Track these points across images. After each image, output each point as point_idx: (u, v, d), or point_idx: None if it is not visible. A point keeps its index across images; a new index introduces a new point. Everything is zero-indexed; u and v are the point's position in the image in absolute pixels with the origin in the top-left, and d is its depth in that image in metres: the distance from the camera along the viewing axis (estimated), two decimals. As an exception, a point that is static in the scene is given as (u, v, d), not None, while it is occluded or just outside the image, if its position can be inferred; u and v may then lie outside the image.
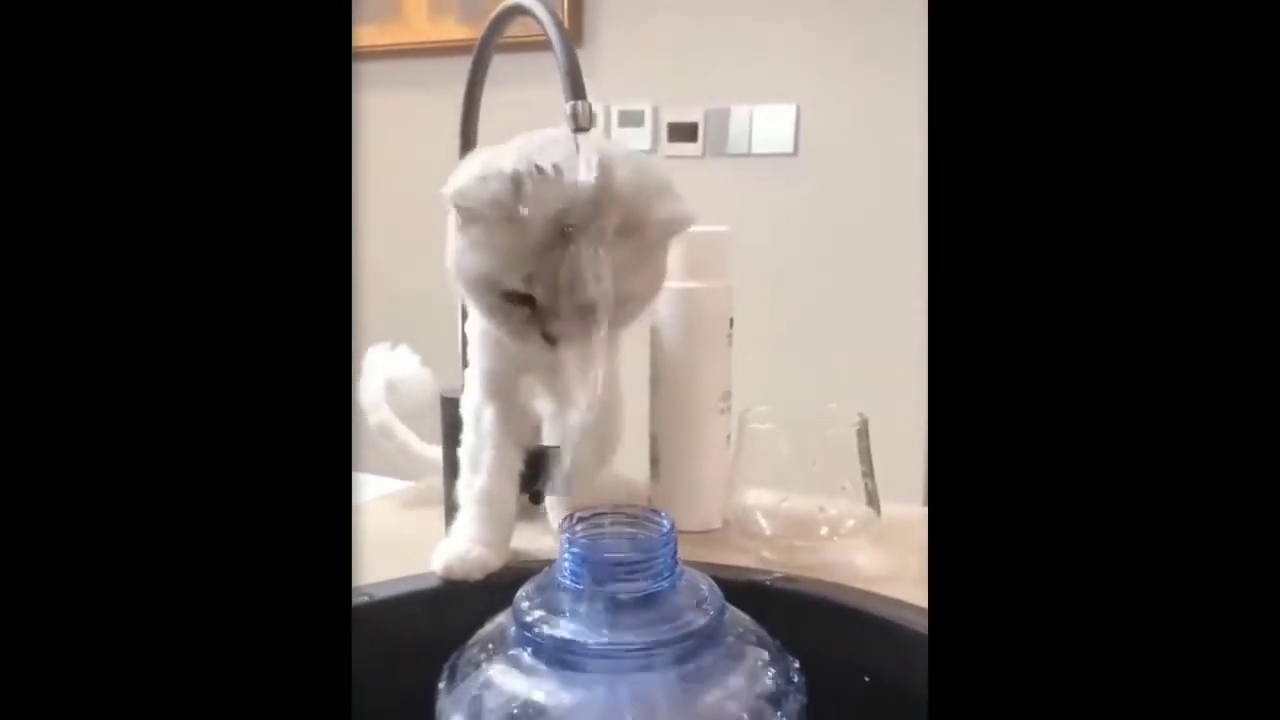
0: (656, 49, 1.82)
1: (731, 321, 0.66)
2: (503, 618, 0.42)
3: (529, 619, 0.40)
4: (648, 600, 0.40)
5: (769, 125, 1.78)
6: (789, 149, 1.78)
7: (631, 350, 0.65)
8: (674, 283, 0.64)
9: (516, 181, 0.48)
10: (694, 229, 0.64)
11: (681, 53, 1.82)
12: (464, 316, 0.62)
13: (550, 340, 0.51)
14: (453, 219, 0.52)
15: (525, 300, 0.50)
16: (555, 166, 0.47)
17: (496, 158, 0.50)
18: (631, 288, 0.51)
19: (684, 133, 1.83)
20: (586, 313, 0.49)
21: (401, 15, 2.04)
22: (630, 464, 0.69)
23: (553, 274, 0.48)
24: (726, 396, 0.66)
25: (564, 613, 0.40)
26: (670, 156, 1.82)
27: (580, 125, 0.46)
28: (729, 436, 0.65)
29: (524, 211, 0.48)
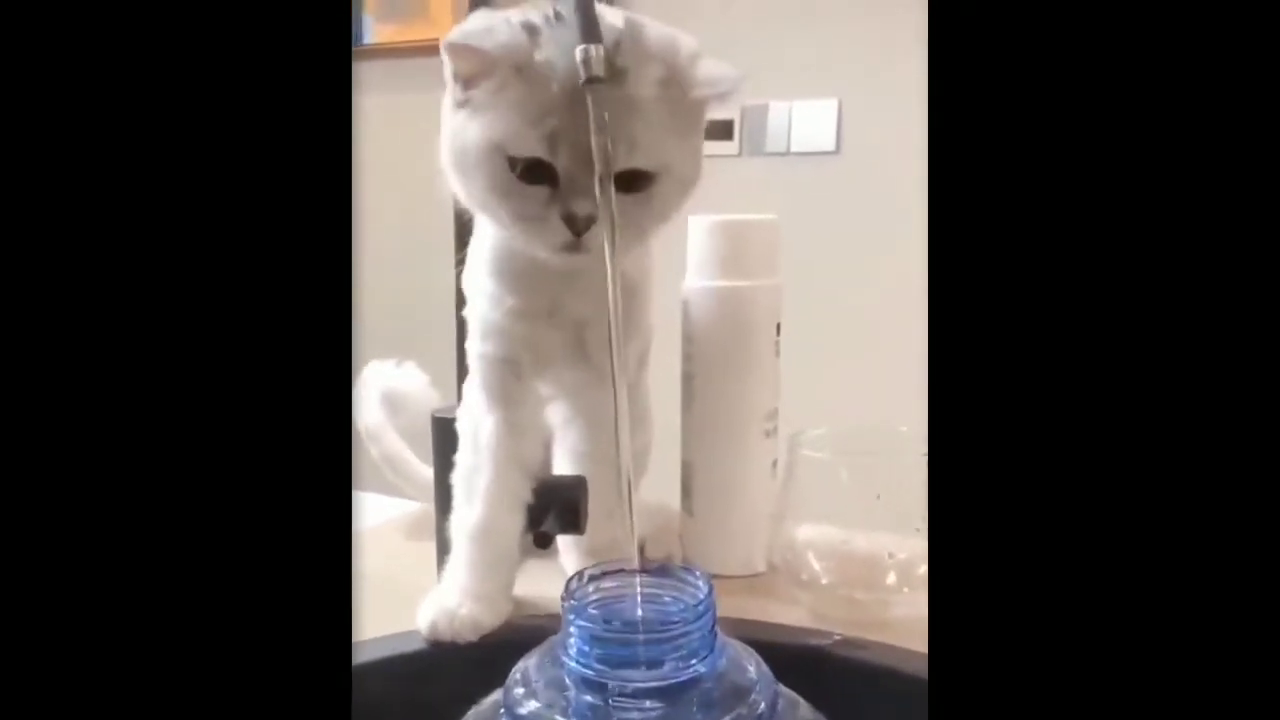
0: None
1: (779, 327, 0.57)
2: (499, 696, 0.35)
3: (523, 711, 0.33)
4: (678, 690, 0.32)
5: (809, 122, 1.74)
6: (830, 147, 1.73)
7: (661, 359, 0.57)
8: (711, 280, 0.57)
9: (529, 28, 0.42)
10: (736, 218, 0.56)
11: (716, 46, 1.74)
12: (460, 303, 0.54)
13: (575, 227, 0.42)
14: (448, 96, 0.45)
15: (543, 176, 0.42)
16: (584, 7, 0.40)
17: (503, 13, 0.43)
18: (670, 159, 0.44)
19: (719, 130, 1.79)
20: (621, 188, 0.41)
21: (427, 13, 2.04)
22: (660, 493, 0.61)
23: (580, 134, 0.39)
24: (773, 416, 0.58)
25: (568, 704, 0.33)
26: (706, 156, 1.78)
27: (593, 74, 0.37)
28: (775, 463, 0.58)
29: (539, 57, 0.41)
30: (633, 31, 0.42)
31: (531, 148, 0.42)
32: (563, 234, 0.43)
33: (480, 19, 0.43)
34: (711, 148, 1.63)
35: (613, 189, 0.38)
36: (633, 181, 0.43)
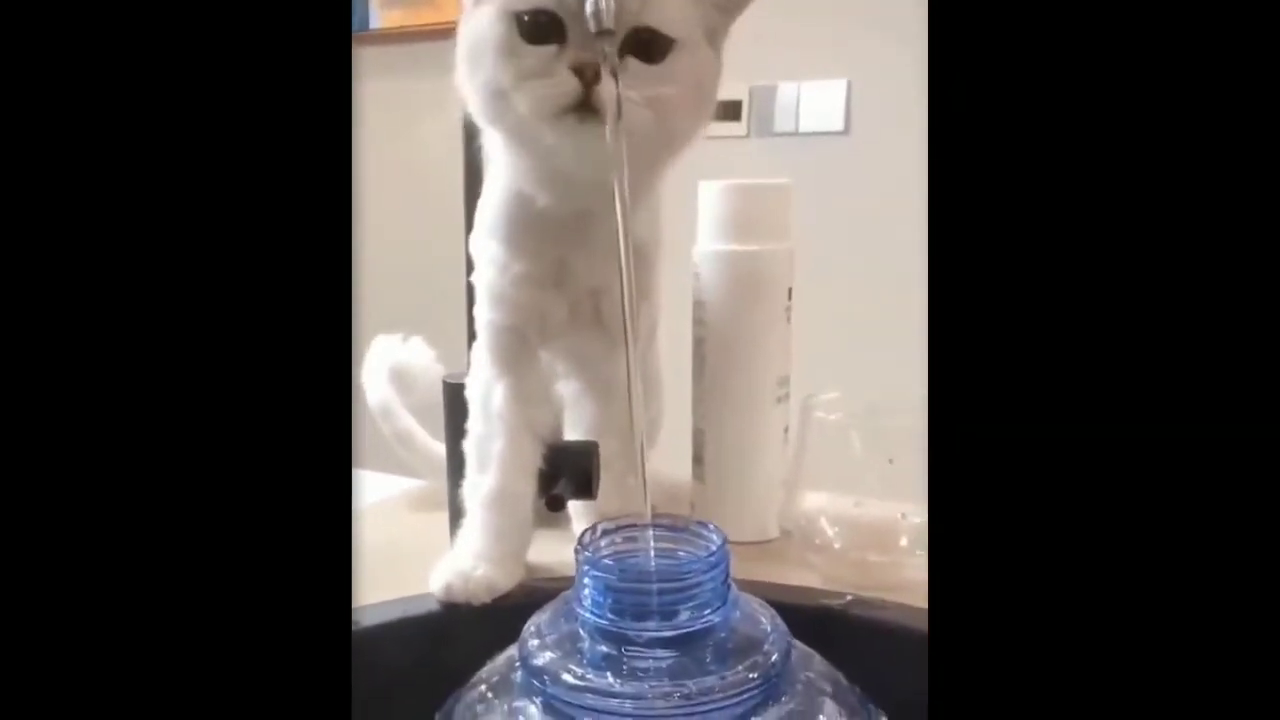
0: (698, 23, 1.74)
1: (791, 292, 0.56)
2: (513, 651, 0.35)
3: (538, 662, 0.33)
4: (691, 640, 0.32)
5: (818, 102, 1.72)
6: (839, 127, 1.71)
7: (670, 324, 0.57)
8: (723, 245, 0.56)
9: None
10: (747, 181, 0.55)
11: (725, 27, 1.74)
12: (469, 268, 0.53)
13: (584, 77, 0.40)
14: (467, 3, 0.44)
15: (551, 34, 0.41)
16: None
17: None
18: (688, 35, 0.42)
19: (727, 111, 1.76)
20: (634, 52, 0.40)
21: None
22: (669, 462, 0.61)
23: None
24: (785, 382, 0.57)
25: (582, 655, 0.33)
26: (713, 137, 1.77)
27: (603, 26, 0.36)
28: (787, 429, 0.57)
29: None
30: None
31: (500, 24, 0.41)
32: (571, 85, 0.40)
33: None
34: (720, 128, 1.62)
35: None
36: (647, 47, 0.41)
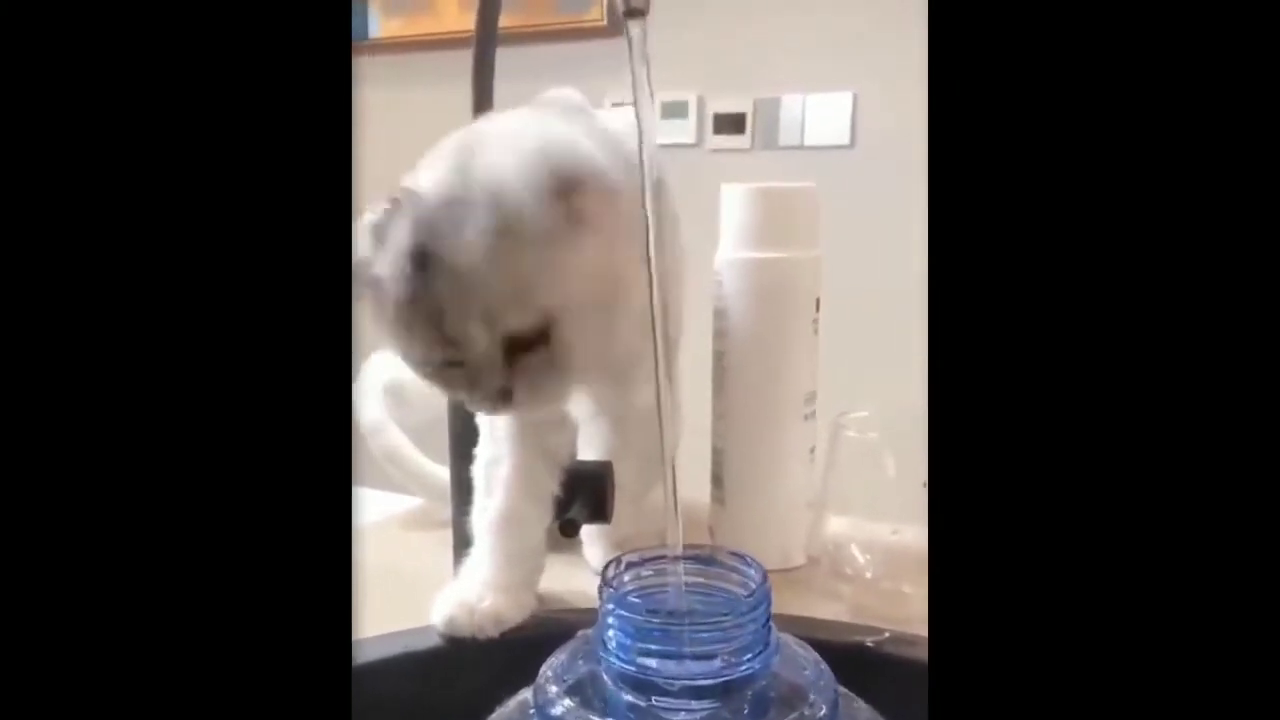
0: (701, 33, 1.75)
1: (818, 303, 0.54)
2: (526, 695, 0.33)
3: (555, 711, 0.30)
4: (729, 689, 0.30)
5: (823, 115, 1.73)
6: (845, 140, 1.72)
7: (690, 337, 0.54)
8: (744, 252, 0.54)
9: (377, 232, 0.39)
10: (772, 185, 0.53)
11: (728, 37, 1.75)
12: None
13: (494, 404, 0.41)
14: None
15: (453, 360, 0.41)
16: (406, 192, 0.38)
17: (377, 206, 0.40)
18: (561, 298, 0.39)
19: (731, 124, 1.78)
20: (523, 351, 0.39)
21: (433, 6, 2.03)
22: (684, 483, 0.57)
23: (432, 350, 0.39)
24: (811, 398, 0.55)
25: (605, 704, 0.30)
26: (717, 150, 1.79)
27: (633, 7, 0.33)
28: (814, 449, 0.55)
29: (374, 272, 0.38)
30: (455, 199, 0.38)
31: (409, 367, 0.41)
32: (496, 402, 0.41)
33: (369, 215, 0.40)
34: (724, 141, 1.62)
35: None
36: (530, 341, 0.40)
